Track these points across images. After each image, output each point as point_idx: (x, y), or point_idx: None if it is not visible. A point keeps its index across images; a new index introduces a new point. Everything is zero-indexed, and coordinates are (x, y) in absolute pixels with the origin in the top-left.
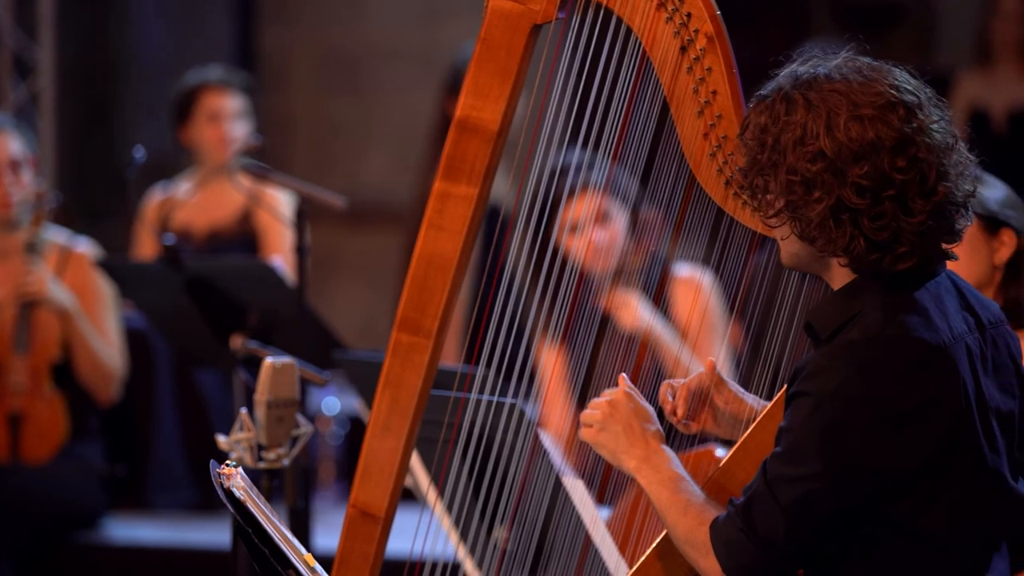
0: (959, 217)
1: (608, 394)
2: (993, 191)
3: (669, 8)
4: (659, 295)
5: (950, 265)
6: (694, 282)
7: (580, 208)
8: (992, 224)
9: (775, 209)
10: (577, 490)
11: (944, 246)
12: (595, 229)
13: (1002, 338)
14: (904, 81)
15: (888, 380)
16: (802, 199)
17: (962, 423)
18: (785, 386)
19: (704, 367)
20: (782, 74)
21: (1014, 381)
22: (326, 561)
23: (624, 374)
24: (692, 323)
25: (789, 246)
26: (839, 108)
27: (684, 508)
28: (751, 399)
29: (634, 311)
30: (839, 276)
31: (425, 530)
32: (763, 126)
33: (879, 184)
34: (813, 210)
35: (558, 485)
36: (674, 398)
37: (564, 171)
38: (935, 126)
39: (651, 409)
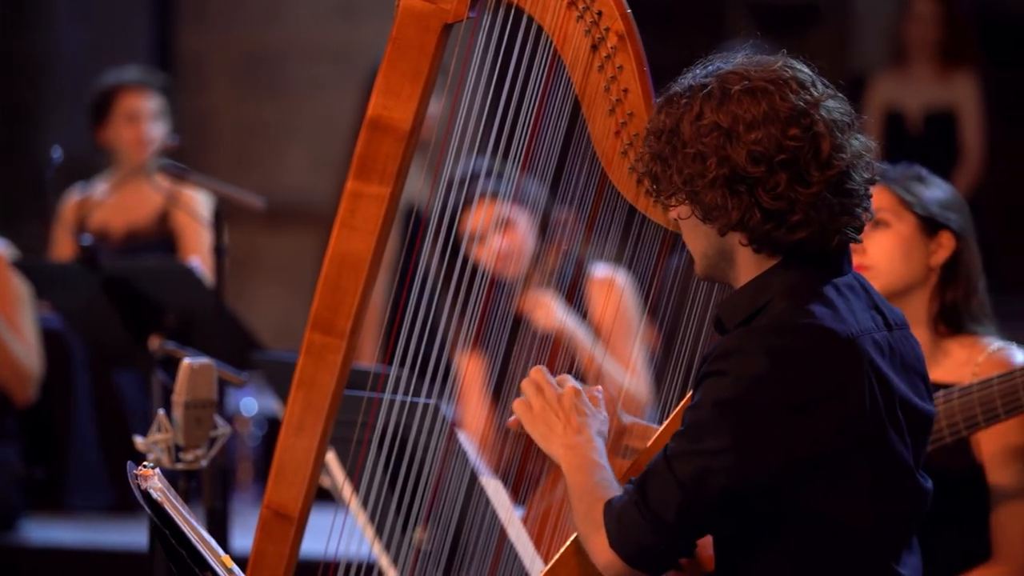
0: (859, 201)
1: (538, 376)
2: (935, 191)
3: (580, 6)
4: (574, 295)
5: (882, 260)
6: (610, 282)
7: (478, 217)
8: (931, 225)
9: (674, 189)
10: (493, 489)
11: (846, 231)
12: (497, 237)
13: (907, 340)
14: (799, 64)
15: (795, 365)
16: (699, 172)
17: (868, 413)
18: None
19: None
20: (686, 75)
21: (919, 381)
22: (244, 561)
23: (542, 366)
24: (608, 322)
25: (698, 245)
26: (732, 84)
27: (591, 490)
28: (625, 415)
29: (550, 311)
30: (745, 273)
31: (340, 530)
32: (663, 118)
33: (773, 152)
34: (709, 183)
35: (474, 484)
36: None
37: (464, 180)
38: (830, 103)
39: (593, 408)
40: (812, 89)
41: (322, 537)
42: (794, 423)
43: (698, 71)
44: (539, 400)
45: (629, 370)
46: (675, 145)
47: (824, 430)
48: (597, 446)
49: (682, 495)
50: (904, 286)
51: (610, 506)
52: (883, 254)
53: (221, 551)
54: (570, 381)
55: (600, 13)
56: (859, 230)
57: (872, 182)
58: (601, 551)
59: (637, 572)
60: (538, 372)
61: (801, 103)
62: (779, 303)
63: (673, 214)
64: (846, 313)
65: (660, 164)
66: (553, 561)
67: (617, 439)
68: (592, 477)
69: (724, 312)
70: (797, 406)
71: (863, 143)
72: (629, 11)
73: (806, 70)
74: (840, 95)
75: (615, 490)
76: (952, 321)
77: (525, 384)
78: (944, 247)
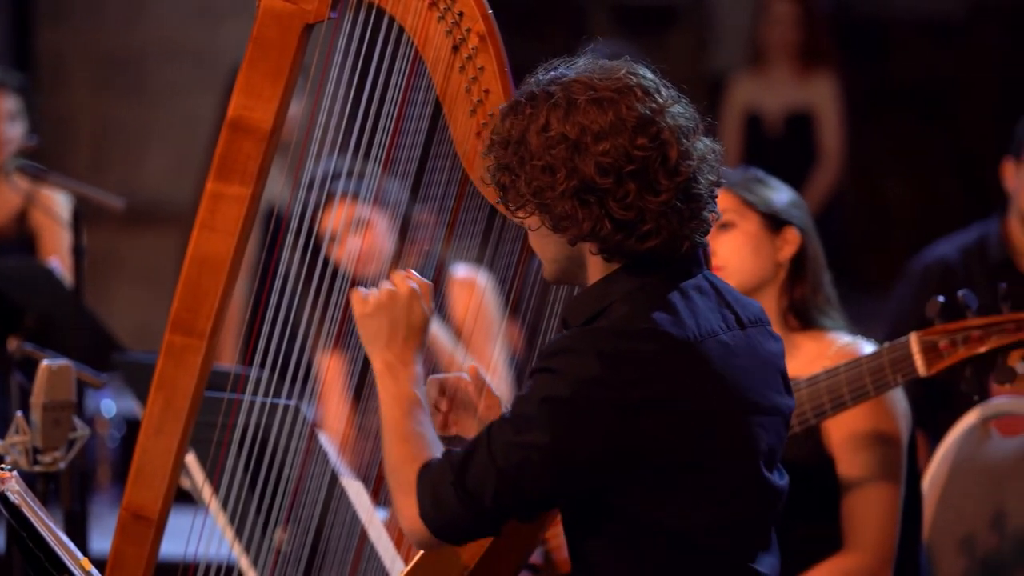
0: (705, 204)
1: (399, 281)
2: (775, 190)
3: (441, 7)
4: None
5: (732, 260)
6: (471, 282)
7: (337, 218)
8: (775, 222)
9: (523, 200)
10: (354, 490)
11: (695, 236)
12: (355, 237)
13: (763, 337)
14: (642, 71)
15: (627, 368)
16: (548, 185)
17: (706, 418)
18: None
19: (475, 368)
20: (529, 82)
21: (777, 377)
22: (103, 564)
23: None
24: (469, 323)
25: (548, 252)
26: (578, 94)
27: (406, 436)
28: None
29: None
30: (595, 274)
31: (200, 532)
32: (508, 128)
33: (622, 163)
34: (559, 194)
35: (335, 485)
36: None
37: (322, 180)
38: (675, 109)
39: (430, 319)
40: (657, 96)
41: (182, 539)
42: (620, 425)
43: (541, 77)
44: (372, 299)
45: (490, 370)
46: (522, 156)
47: (655, 435)
48: (416, 372)
49: (499, 483)
50: (756, 283)
51: (425, 474)
52: (733, 254)
53: (80, 554)
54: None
55: (461, 14)
56: (706, 232)
57: (717, 184)
58: (410, 517)
59: (442, 543)
60: (400, 279)
61: (647, 111)
62: (620, 306)
63: (522, 223)
64: (687, 317)
65: (508, 175)
66: (413, 562)
67: (487, 412)
68: (408, 418)
69: (569, 312)
70: (625, 410)
71: (707, 146)
72: (490, 12)
73: (650, 76)
74: (684, 99)
75: (431, 446)
76: (802, 315)
77: (382, 284)
78: (790, 243)
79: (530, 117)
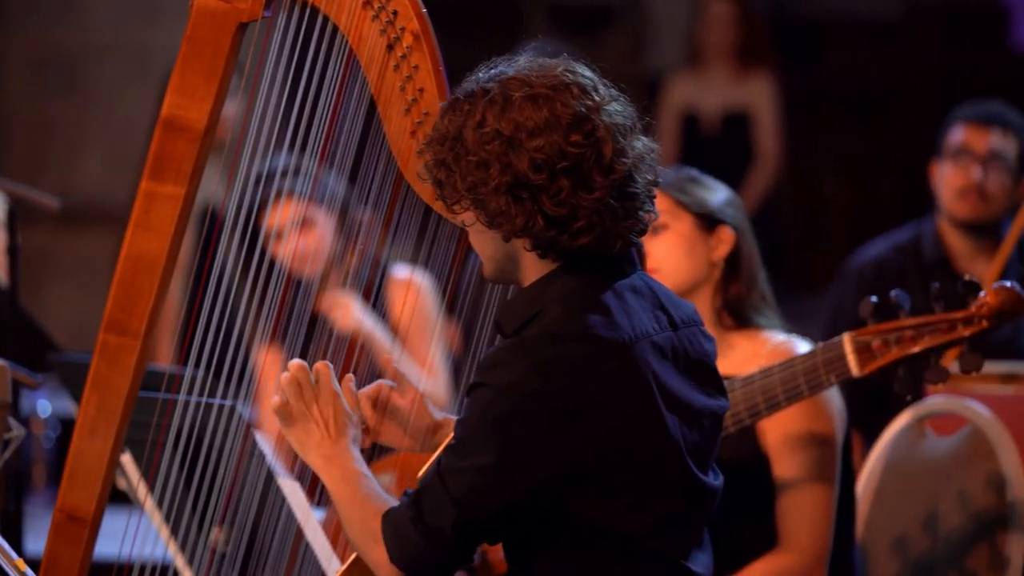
0: (642, 204)
1: (320, 387)
2: (709, 190)
3: (375, 6)
4: (370, 295)
5: (667, 262)
6: (410, 283)
7: (282, 215)
8: (708, 222)
9: (458, 195)
10: (290, 489)
11: (629, 235)
12: (297, 235)
13: (696, 338)
14: (581, 69)
15: (560, 375)
16: (482, 180)
17: (642, 419)
18: None
19: (407, 367)
20: (469, 79)
21: (710, 380)
22: (38, 565)
23: (351, 374)
24: (407, 324)
25: (486, 249)
26: (514, 90)
27: (362, 502)
28: (436, 411)
29: (348, 312)
30: (530, 276)
31: (135, 532)
32: (446, 123)
33: (555, 159)
34: (492, 190)
35: (271, 485)
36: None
37: (267, 177)
38: (612, 107)
39: (351, 413)
40: (593, 94)
41: (117, 539)
42: (562, 433)
43: (481, 75)
44: (298, 404)
45: (427, 370)
46: (458, 152)
47: (594, 438)
48: (354, 455)
49: (456, 512)
50: (691, 284)
51: (387, 520)
52: (667, 256)
53: (14, 554)
54: (351, 383)
55: (395, 13)
56: (642, 232)
57: (655, 184)
58: (382, 564)
59: None
60: (299, 369)
61: (582, 109)
62: (553, 310)
63: (459, 220)
64: (621, 318)
65: (444, 171)
66: (349, 561)
67: (429, 436)
68: (360, 488)
69: (503, 317)
70: (564, 416)
71: (645, 145)
72: (424, 11)
73: (588, 73)
74: (622, 97)
75: (387, 500)
76: (736, 314)
77: (285, 381)
78: (724, 242)
79: (467, 113)
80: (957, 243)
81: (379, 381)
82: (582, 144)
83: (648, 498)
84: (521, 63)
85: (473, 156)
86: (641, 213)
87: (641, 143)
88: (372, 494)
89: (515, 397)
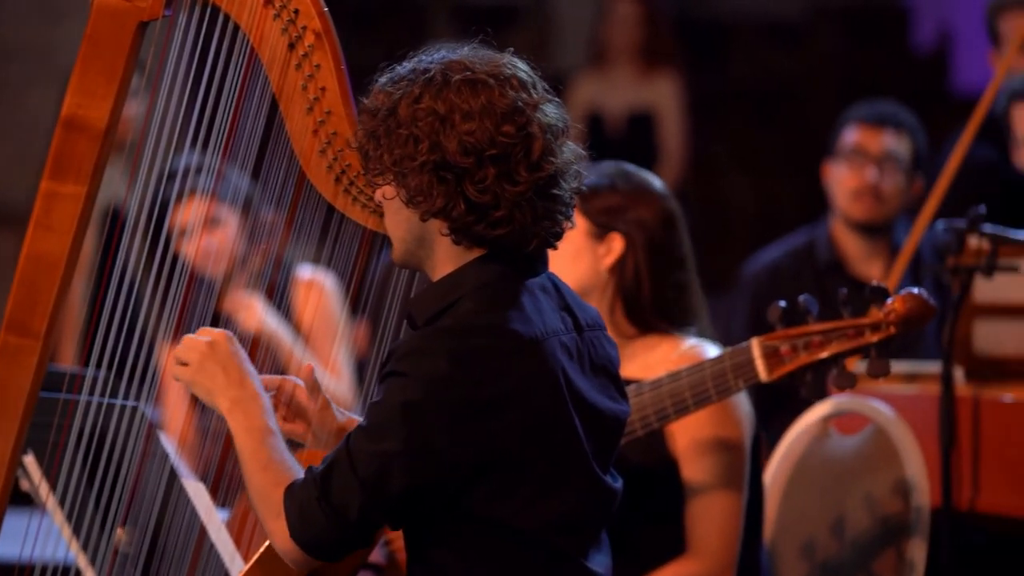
0: (562, 208)
1: (207, 334)
2: (605, 199)
3: (276, 5)
4: (276, 295)
5: (553, 268)
6: (315, 283)
7: (186, 213)
8: (601, 229)
9: (382, 168)
10: (194, 489)
11: (546, 235)
12: (204, 234)
13: (599, 342)
14: (523, 66)
15: (475, 367)
16: (409, 155)
17: (550, 416)
18: None
19: (316, 370)
20: (411, 59)
21: (610, 382)
22: None
23: (229, 332)
24: (312, 324)
25: (399, 229)
26: (455, 73)
27: (265, 464)
28: (339, 413)
29: (252, 312)
30: (441, 265)
31: (37, 533)
32: (382, 98)
33: (484, 146)
34: (418, 166)
35: (175, 485)
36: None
37: (172, 176)
38: (548, 107)
39: (253, 369)
40: (532, 90)
41: (19, 540)
42: (473, 425)
43: (424, 57)
44: (194, 354)
45: (332, 370)
46: (390, 125)
47: (504, 432)
48: (264, 404)
49: (363, 494)
50: (579, 290)
51: (291, 495)
52: (555, 260)
53: None
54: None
55: (297, 11)
56: (558, 236)
57: (578, 191)
58: (281, 539)
59: (317, 560)
60: (186, 338)
61: (519, 102)
62: (467, 302)
63: (379, 194)
64: (533, 315)
65: (373, 142)
66: (252, 561)
67: (336, 438)
68: (264, 447)
69: (415, 308)
70: (477, 408)
71: (574, 151)
72: (326, 10)
73: (528, 71)
74: (558, 100)
75: (292, 469)
76: (638, 320)
77: (178, 351)
78: (612, 251)
79: (405, 89)
80: (851, 245)
81: (292, 378)
82: (513, 136)
83: (549, 495)
84: (465, 51)
85: (404, 130)
86: (559, 217)
87: (570, 149)
88: (275, 457)
89: (429, 385)
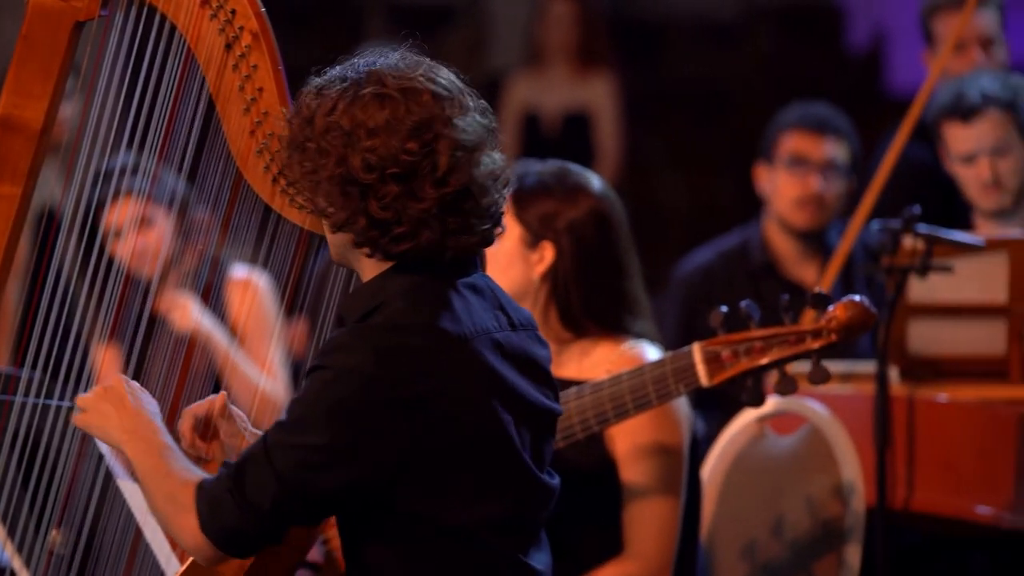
0: (480, 219)
1: (104, 382)
2: (538, 207)
3: (213, 5)
4: (211, 296)
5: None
6: (250, 284)
7: (121, 214)
8: (534, 236)
9: (296, 178)
10: (130, 491)
11: (464, 248)
12: (136, 234)
13: (531, 341)
14: (444, 77)
15: (402, 364)
16: (319, 167)
17: (479, 414)
18: None
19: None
20: (347, 64)
21: (543, 381)
22: None
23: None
24: (246, 324)
25: (328, 231)
26: (367, 86)
27: (167, 472)
28: (250, 434)
29: (187, 313)
30: (367, 268)
31: None
32: (304, 106)
33: (387, 163)
34: (326, 179)
35: (110, 486)
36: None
37: (106, 176)
38: (462, 121)
39: (149, 397)
40: (445, 104)
41: None
42: (398, 422)
43: (352, 63)
44: (90, 400)
45: (267, 371)
46: (306, 136)
47: (430, 430)
48: (159, 426)
49: (279, 487)
50: (513, 295)
51: (202, 490)
52: (489, 266)
53: None
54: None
55: (234, 12)
56: (481, 245)
57: (497, 203)
58: (191, 534)
59: (227, 555)
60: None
61: (427, 117)
62: (396, 302)
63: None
64: (462, 313)
65: (290, 152)
66: (188, 562)
67: (232, 440)
68: (166, 458)
69: (345, 309)
70: (401, 405)
71: (495, 162)
72: (263, 10)
73: (447, 82)
74: (482, 110)
75: (198, 472)
76: (572, 325)
77: (78, 402)
78: (545, 259)
79: (324, 100)
80: (785, 247)
81: (209, 398)
82: (416, 153)
83: (484, 492)
84: (393, 58)
85: (315, 143)
86: (480, 228)
87: (491, 161)
88: (182, 465)
89: (354, 382)
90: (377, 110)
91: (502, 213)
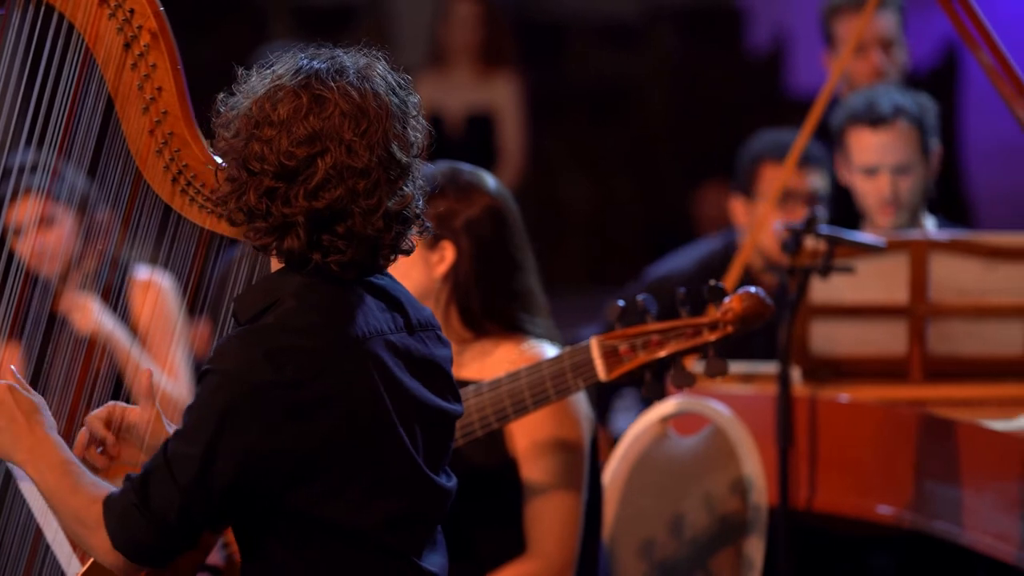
0: (354, 246)
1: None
2: (435, 206)
3: (112, 4)
4: (113, 296)
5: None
6: (152, 284)
7: (20, 212)
8: (431, 237)
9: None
10: (31, 493)
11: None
12: (36, 233)
13: (432, 342)
14: (376, 91)
15: (293, 367)
16: (236, 171)
17: (372, 416)
18: None
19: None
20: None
21: (444, 383)
22: None
23: (12, 366)
24: (149, 325)
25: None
26: (293, 80)
27: (73, 489)
28: (171, 426)
29: (89, 313)
30: (274, 262)
31: None
32: (234, 109)
33: (271, 157)
34: (238, 182)
35: (9, 486)
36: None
37: (6, 173)
38: (359, 143)
39: (38, 399)
40: (350, 123)
41: None
42: (292, 425)
43: (318, 52)
44: None
45: (169, 372)
46: (228, 138)
47: (324, 432)
48: (56, 441)
49: (182, 499)
50: (417, 297)
51: (110, 505)
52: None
53: None
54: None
55: (132, 11)
56: (395, 252)
57: (398, 235)
58: (104, 551)
59: (145, 566)
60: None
61: (323, 129)
62: (287, 302)
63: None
64: (356, 314)
65: (219, 144)
66: (90, 563)
67: (153, 440)
68: (70, 476)
69: (239, 307)
70: (295, 408)
71: (396, 195)
72: (162, 9)
73: (360, 101)
74: (407, 143)
75: (102, 486)
76: (472, 324)
77: None
78: (446, 259)
79: (246, 105)
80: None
81: (111, 403)
82: (300, 160)
83: (378, 494)
84: (340, 60)
85: (232, 146)
86: (391, 242)
87: (387, 193)
88: (84, 480)
89: (244, 385)
90: (284, 107)
91: (404, 249)
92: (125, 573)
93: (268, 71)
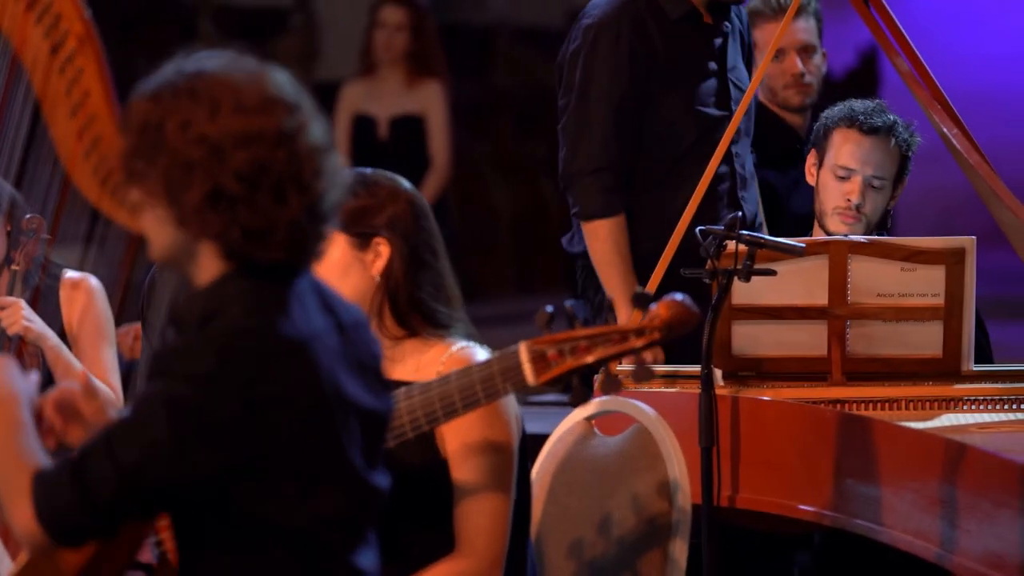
0: (326, 221)
1: None
2: (359, 202)
3: (39, 9)
4: (41, 299)
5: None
6: (82, 285)
7: None
8: (362, 237)
9: (154, 191)
10: None
11: (316, 252)
12: None
13: (363, 341)
14: (285, 83)
15: (242, 369)
16: (181, 182)
17: (315, 417)
18: None
19: (85, 374)
20: (167, 67)
21: (374, 380)
22: None
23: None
24: (79, 327)
25: (162, 237)
26: (224, 97)
27: (15, 453)
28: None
29: (18, 315)
30: (207, 271)
31: None
32: (146, 112)
33: (257, 173)
34: (192, 194)
35: None
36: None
37: None
38: (313, 127)
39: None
40: (298, 112)
41: None
42: (239, 425)
43: (184, 66)
44: None
45: (101, 373)
46: (159, 147)
47: (269, 433)
48: (24, 402)
49: (119, 483)
50: (356, 301)
51: (41, 478)
52: (325, 276)
53: None
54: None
55: (59, 16)
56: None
57: (341, 203)
58: (25, 521)
59: (58, 545)
60: None
61: (289, 125)
62: (234, 307)
63: (147, 225)
64: (299, 317)
65: (143, 162)
66: (24, 563)
67: (95, 418)
68: (16, 437)
69: (182, 313)
70: (243, 409)
71: (336, 165)
72: (89, 14)
73: (290, 88)
74: (320, 116)
75: (43, 457)
76: (403, 321)
77: None
78: (381, 256)
79: (172, 109)
80: None
81: (65, 384)
82: (285, 162)
83: (315, 494)
84: (223, 62)
85: (176, 157)
86: (324, 231)
87: (332, 163)
88: (29, 448)
89: (197, 384)
90: (243, 122)
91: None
92: (37, 548)
93: (164, 97)
